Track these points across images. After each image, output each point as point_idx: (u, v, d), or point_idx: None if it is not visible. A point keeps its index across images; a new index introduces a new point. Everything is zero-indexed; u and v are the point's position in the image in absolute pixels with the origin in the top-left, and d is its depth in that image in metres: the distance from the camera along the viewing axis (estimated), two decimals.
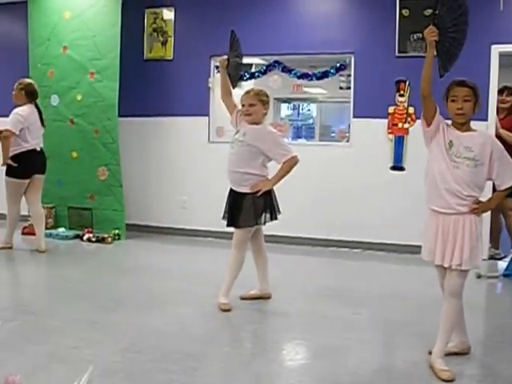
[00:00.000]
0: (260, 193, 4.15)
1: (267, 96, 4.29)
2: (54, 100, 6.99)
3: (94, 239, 6.51)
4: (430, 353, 3.07)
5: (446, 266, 2.97)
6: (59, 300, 4.35)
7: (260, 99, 4.20)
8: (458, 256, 2.91)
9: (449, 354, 3.09)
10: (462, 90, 3.00)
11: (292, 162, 4.16)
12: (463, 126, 3.02)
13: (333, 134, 10.35)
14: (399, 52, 6.14)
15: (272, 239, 6.62)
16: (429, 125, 3.03)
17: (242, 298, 4.36)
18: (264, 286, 4.42)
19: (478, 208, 2.95)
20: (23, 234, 6.94)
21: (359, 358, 3.19)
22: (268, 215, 4.25)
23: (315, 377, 2.94)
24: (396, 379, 2.90)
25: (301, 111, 12.11)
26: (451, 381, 2.86)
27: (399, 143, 6.22)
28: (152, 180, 7.25)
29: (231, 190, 4.34)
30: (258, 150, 4.12)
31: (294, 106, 12.00)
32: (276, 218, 4.32)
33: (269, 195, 4.27)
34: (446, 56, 3.09)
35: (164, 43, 7.10)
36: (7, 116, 7.42)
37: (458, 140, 2.97)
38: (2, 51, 8.06)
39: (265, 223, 4.26)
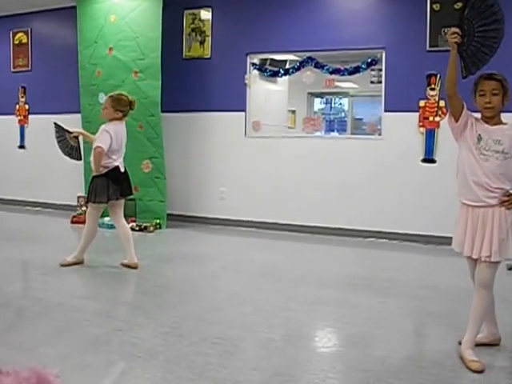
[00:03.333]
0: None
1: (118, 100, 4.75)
2: (102, 98, 7.03)
3: (137, 228, 6.56)
4: (460, 343, 2.96)
5: (474, 257, 2.86)
6: (105, 285, 4.39)
7: (112, 104, 4.73)
8: (487, 248, 2.79)
9: (479, 345, 2.97)
10: (489, 84, 2.87)
11: (95, 152, 4.58)
12: (492, 120, 2.87)
13: (364, 127, 10.20)
14: (430, 46, 5.97)
15: (303, 229, 6.61)
16: (457, 121, 2.91)
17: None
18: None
19: (508, 200, 2.81)
20: (72, 222, 7.03)
21: (389, 347, 3.10)
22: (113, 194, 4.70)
23: (346, 364, 2.87)
24: (425, 368, 2.80)
25: (333, 105, 11.98)
26: (481, 371, 2.74)
27: (430, 136, 6.07)
28: (192, 172, 7.26)
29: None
30: None
31: (327, 100, 11.88)
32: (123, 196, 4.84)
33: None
34: (470, 59, 2.96)
35: (202, 42, 7.08)
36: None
37: (487, 133, 2.84)
38: (55, 53, 8.19)
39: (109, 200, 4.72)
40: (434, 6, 5.93)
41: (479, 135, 2.85)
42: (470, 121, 2.90)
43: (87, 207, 5.05)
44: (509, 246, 2.82)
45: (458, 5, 5.74)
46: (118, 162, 4.78)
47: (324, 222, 6.55)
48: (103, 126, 4.70)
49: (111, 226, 6.73)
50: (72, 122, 7.48)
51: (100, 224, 6.76)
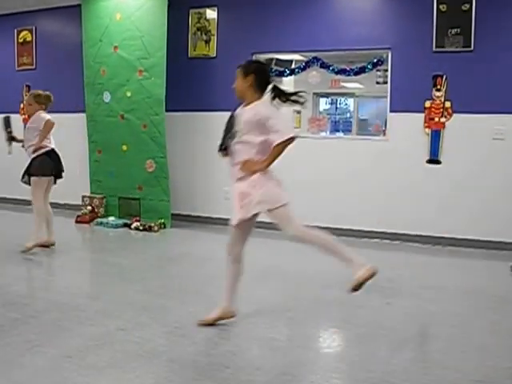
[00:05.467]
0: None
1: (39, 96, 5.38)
2: (106, 97, 7.08)
3: (141, 228, 6.58)
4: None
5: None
6: (109, 285, 4.41)
7: (36, 100, 5.35)
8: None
9: (213, 323, 3.35)
10: (236, 73, 3.38)
11: (47, 124, 5.26)
12: (247, 103, 3.29)
13: (370, 128, 10.21)
14: (436, 47, 5.98)
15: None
16: None
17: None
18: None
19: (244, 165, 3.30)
20: (76, 222, 7.06)
21: (393, 347, 3.12)
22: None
23: (350, 364, 2.89)
24: (429, 369, 2.82)
25: (338, 105, 12.00)
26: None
27: (436, 137, 6.07)
28: (196, 172, 7.27)
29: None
30: None
31: (332, 100, 11.90)
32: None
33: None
34: None
35: (207, 41, 7.09)
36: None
37: (240, 117, 3.26)
38: (59, 51, 8.21)
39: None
40: (441, 7, 5.94)
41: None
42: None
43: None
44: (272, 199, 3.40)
45: (466, 6, 5.77)
46: (53, 145, 5.39)
47: (328, 222, 6.53)
48: (37, 114, 5.32)
49: (116, 226, 6.78)
50: (77, 121, 7.57)
51: (104, 223, 6.81)
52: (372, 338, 3.27)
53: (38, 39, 8.49)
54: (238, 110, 3.34)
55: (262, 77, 3.31)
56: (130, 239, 6.36)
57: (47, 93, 5.48)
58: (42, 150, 5.28)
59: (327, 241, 3.21)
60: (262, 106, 3.23)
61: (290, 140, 3.13)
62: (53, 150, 5.37)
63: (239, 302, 3.90)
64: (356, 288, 3.20)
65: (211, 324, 3.35)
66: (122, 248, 5.85)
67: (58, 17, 8.29)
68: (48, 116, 5.31)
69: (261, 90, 3.29)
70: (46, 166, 5.31)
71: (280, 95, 3.31)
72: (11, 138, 5.60)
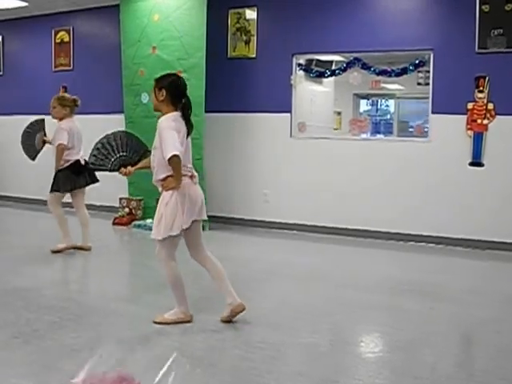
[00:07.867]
0: None
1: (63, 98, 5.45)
2: (145, 98, 7.18)
3: None
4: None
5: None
6: (147, 288, 4.43)
7: (60, 103, 5.37)
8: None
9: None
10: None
11: (58, 149, 5.32)
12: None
13: (411, 130, 10.14)
14: (479, 48, 5.93)
15: (348, 232, 6.61)
16: None
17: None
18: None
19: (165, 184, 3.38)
20: (114, 224, 7.18)
21: (437, 353, 3.11)
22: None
23: (394, 370, 2.89)
24: (476, 376, 2.81)
25: (379, 107, 11.93)
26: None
27: (478, 139, 6.01)
28: (235, 174, 7.31)
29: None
30: None
31: (373, 101, 11.83)
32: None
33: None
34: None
35: (247, 42, 7.14)
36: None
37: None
38: (97, 52, 8.35)
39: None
40: (484, 7, 5.89)
41: None
42: None
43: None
44: (159, 228, 3.38)
45: (509, 6, 5.72)
46: (78, 156, 5.43)
47: (367, 224, 6.54)
48: (58, 125, 5.37)
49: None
50: (115, 123, 7.69)
51: (142, 226, 6.91)
52: (415, 344, 3.27)
53: (76, 40, 8.64)
54: None
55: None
56: None
57: (74, 97, 5.52)
58: (65, 165, 5.36)
59: (175, 281, 3.55)
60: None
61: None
62: (77, 161, 5.40)
63: (281, 307, 3.95)
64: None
65: (228, 321, 3.55)
66: None
67: (96, 17, 8.43)
68: (62, 139, 5.27)
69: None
70: (61, 183, 5.38)
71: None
72: (43, 142, 5.68)
